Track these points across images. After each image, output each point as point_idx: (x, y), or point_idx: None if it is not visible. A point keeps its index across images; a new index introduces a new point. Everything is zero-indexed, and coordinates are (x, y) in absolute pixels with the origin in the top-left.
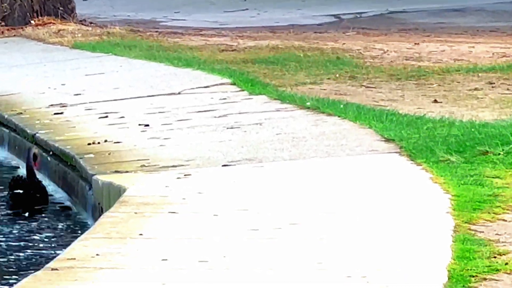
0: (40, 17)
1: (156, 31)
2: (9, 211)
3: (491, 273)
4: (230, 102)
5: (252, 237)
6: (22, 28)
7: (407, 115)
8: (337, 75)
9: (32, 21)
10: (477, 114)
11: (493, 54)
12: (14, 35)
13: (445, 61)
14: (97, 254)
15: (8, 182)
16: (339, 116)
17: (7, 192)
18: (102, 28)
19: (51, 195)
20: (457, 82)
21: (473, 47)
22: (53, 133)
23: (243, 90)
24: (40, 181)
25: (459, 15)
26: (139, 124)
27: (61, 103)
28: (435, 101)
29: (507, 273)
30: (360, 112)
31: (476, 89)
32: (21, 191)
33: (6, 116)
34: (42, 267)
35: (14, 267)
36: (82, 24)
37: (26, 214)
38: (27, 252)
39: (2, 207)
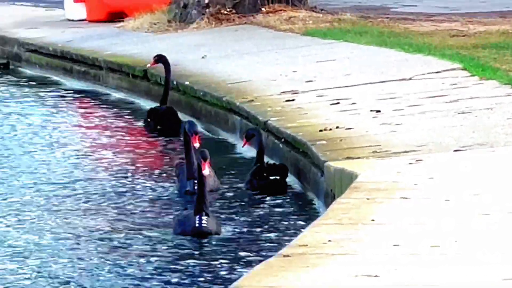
0: (270, 4)
1: (387, 17)
2: (251, 196)
3: None
4: (461, 87)
5: (483, 222)
6: (252, 15)
7: None
8: None
9: (263, 9)
10: None
11: None
12: (245, 23)
13: None
14: (329, 240)
15: (257, 168)
16: None
17: (254, 178)
18: (333, 15)
19: None
20: None
21: None
22: (285, 120)
23: (473, 75)
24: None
25: None
26: (370, 110)
27: (292, 90)
28: None
29: None
30: None
31: None
32: (277, 177)
33: (237, 104)
34: (275, 253)
35: (248, 253)
36: (313, 11)
37: (268, 199)
38: (260, 238)
39: (238, 189)
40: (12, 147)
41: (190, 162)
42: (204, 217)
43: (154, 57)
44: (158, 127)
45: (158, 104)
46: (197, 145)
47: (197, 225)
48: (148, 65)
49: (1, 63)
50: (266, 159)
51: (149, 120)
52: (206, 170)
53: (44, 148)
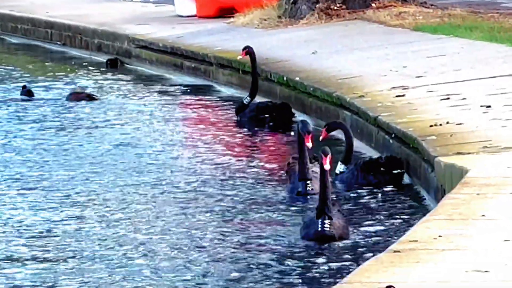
0: (380, 0)
1: (497, 12)
2: (360, 191)
3: None
4: None
5: None
6: (362, 11)
7: None
8: None
9: (373, 4)
10: None
11: None
12: (355, 18)
13: None
14: (439, 236)
15: (367, 162)
16: None
17: (368, 173)
18: (443, 10)
19: None
20: None
21: None
22: (395, 115)
23: None
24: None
25: None
26: (481, 106)
27: (402, 86)
28: None
29: None
30: None
31: None
32: (400, 170)
33: (348, 99)
34: (385, 249)
35: (361, 250)
36: (423, 6)
37: (378, 194)
38: (371, 234)
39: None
40: (130, 146)
41: (304, 162)
42: (326, 221)
43: (243, 49)
44: (271, 123)
45: (267, 100)
46: (309, 145)
47: (319, 229)
48: (239, 56)
49: (109, 59)
50: (376, 154)
51: (266, 116)
52: (328, 165)
53: (163, 146)
